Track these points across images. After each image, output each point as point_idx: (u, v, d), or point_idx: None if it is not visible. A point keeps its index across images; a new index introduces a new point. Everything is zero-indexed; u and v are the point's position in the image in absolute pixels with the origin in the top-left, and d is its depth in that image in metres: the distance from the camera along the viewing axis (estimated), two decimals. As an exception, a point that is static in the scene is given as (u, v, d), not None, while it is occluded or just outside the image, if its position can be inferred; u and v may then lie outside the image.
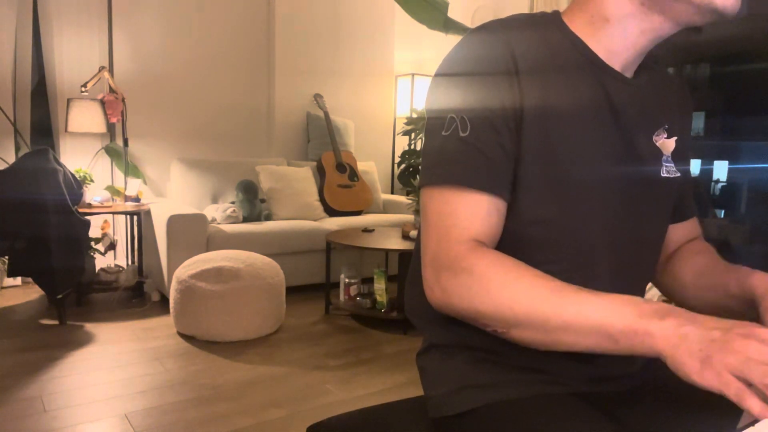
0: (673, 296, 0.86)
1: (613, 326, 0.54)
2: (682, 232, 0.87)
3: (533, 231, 0.70)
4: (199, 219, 3.00)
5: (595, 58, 0.71)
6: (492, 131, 0.66)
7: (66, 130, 3.22)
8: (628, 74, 0.74)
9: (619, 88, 0.72)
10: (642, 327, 0.52)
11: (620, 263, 0.74)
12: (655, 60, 0.79)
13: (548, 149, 0.68)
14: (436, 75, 0.72)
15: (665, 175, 0.76)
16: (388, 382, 2.17)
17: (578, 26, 0.72)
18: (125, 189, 3.28)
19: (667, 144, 0.76)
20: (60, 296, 2.68)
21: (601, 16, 0.70)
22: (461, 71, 0.69)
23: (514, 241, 0.70)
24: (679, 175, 0.78)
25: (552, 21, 0.73)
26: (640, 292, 0.81)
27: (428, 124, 0.72)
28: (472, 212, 0.66)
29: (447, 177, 0.67)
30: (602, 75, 0.71)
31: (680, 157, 0.79)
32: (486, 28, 0.71)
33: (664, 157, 0.76)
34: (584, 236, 0.71)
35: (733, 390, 0.45)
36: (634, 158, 0.73)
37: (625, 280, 0.75)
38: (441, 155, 0.68)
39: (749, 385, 0.45)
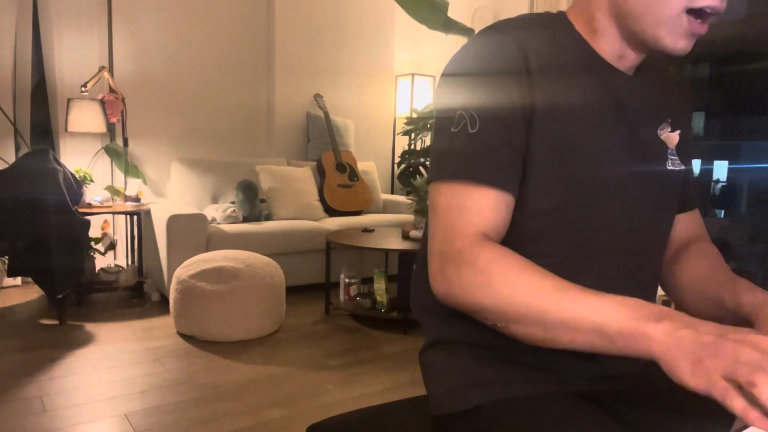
0: (672, 298, 0.86)
1: (610, 326, 0.54)
2: (683, 225, 0.87)
3: (540, 223, 0.71)
4: (199, 219, 3.00)
5: (598, 57, 0.74)
6: (501, 127, 0.67)
7: (66, 130, 3.22)
8: (630, 73, 0.76)
9: (623, 85, 0.74)
10: (638, 329, 0.53)
11: (627, 254, 0.75)
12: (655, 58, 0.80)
13: (558, 146, 0.69)
14: (445, 74, 0.73)
15: (671, 167, 0.78)
16: (388, 382, 2.17)
17: (580, 27, 0.75)
18: (125, 189, 3.28)
19: (671, 137, 0.78)
20: (60, 296, 2.68)
21: (591, 27, 0.74)
22: (471, 70, 0.70)
23: (520, 234, 0.71)
24: (683, 167, 0.80)
25: (559, 21, 0.76)
26: (650, 284, 0.81)
27: (437, 122, 0.72)
28: (479, 206, 0.67)
29: (455, 172, 0.68)
30: (606, 73, 0.74)
31: (683, 150, 0.80)
32: (496, 27, 0.72)
33: (669, 151, 0.78)
34: (592, 228, 0.72)
35: (719, 390, 0.46)
36: (641, 152, 0.75)
37: (633, 272, 0.76)
38: (450, 151, 0.69)
39: (739, 387, 0.45)
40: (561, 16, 0.76)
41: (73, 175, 2.87)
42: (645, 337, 0.52)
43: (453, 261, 0.65)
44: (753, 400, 0.44)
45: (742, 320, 0.72)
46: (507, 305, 0.61)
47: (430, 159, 0.73)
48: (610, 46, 0.74)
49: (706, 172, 2.76)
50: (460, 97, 0.70)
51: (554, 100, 0.69)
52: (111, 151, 3.49)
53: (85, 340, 2.50)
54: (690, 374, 0.48)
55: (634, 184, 0.74)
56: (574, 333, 0.57)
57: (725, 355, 0.46)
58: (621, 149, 0.73)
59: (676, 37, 0.67)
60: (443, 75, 0.73)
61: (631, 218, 0.74)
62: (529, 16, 0.75)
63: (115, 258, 3.47)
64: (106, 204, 3.09)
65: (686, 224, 0.88)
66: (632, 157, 0.74)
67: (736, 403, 0.44)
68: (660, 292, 2.26)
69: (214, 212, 3.33)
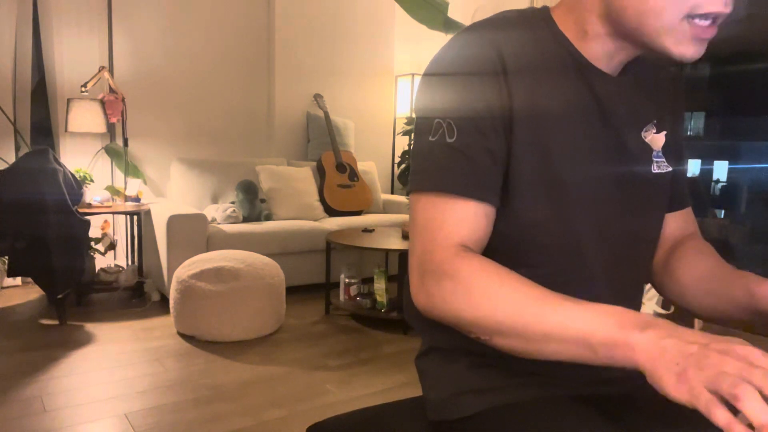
0: (671, 297, 0.85)
1: (593, 336, 0.53)
2: (675, 223, 0.86)
3: (529, 233, 0.70)
4: (199, 219, 3.00)
5: (581, 58, 0.71)
6: (479, 135, 0.66)
7: (66, 130, 3.22)
8: (614, 73, 0.74)
9: (605, 87, 0.72)
10: (622, 338, 0.52)
11: (615, 262, 0.74)
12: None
13: (539, 150, 0.68)
14: (424, 75, 0.72)
15: (656, 170, 0.76)
16: (388, 382, 2.17)
17: (566, 27, 0.72)
18: (125, 189, 3.28)
19: (656, 139, 0.76)
20: (60, 296, 2.68)
21: (581, 27, 0.71)
22: (448, 73, 0.69)
23: (510, 245, 0.70)
24: (670, 169, 0.78)
25: (541, 19, 0.73)
26: (637, 291, 0.80)
27: (416, 127, 0.71)
28: (459, 218, 0.66)
29: (435, 184, 0.67)
30: (589, 74, 0.71)
31: (672, 150, 0.78)
32: (474, 27, 0.71)
33: (654, 153, 0.76)
34: (579, 236, 0.71)
35: (702, 402, 0.45)
36: (624, 156, 0.73)
37: (621, 279, 0.75)
38: (428, 161, 0.68)
39: (723, 399, 0.44)
40: (544, 12, 0.74)
41: (73, 175, 2.87)
42: (629, 346, 0.51)
43: (433, 274, 0.64)
44: (737, 413, 0.43)
45: (755, 313, 0.70)
46: (488, 318, 0.59)
47: (410, 167, 0.72)
48: (600, 46, 0.71)
49: (706, 172, 2.76)
50: (437, 102, 0.68)
51: (533, 104, 0.67)
52: (111, 151, 3.49)
53: (85, 340, 2.51)
54: (674, 385, 0.47)
55: (619, 189, 0.73)
56: (558, 344, 0.56)
57: (709, 366, 0.45)
58: (603, 153, 0.71)
59: (681, 45, 0.64)
60: (423, 76, 0.72)
61: (618, 224, 0.73)
62: (510, 13, 0.73)
63: (115, 258, 3.47)
64: (106, 204, 3.09)
65: (678, 222, 0.86)
66: (615, 162, 0.72)
67: (720, 416, 0.43)
68: (658, 294, 2.26)
69: (214, 212, 3.33)
